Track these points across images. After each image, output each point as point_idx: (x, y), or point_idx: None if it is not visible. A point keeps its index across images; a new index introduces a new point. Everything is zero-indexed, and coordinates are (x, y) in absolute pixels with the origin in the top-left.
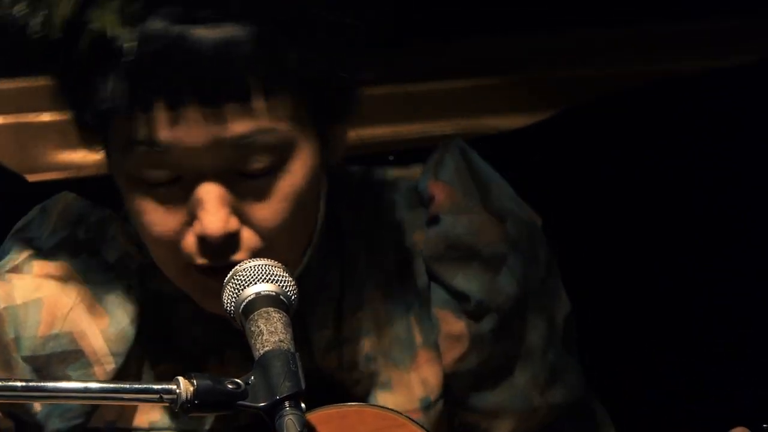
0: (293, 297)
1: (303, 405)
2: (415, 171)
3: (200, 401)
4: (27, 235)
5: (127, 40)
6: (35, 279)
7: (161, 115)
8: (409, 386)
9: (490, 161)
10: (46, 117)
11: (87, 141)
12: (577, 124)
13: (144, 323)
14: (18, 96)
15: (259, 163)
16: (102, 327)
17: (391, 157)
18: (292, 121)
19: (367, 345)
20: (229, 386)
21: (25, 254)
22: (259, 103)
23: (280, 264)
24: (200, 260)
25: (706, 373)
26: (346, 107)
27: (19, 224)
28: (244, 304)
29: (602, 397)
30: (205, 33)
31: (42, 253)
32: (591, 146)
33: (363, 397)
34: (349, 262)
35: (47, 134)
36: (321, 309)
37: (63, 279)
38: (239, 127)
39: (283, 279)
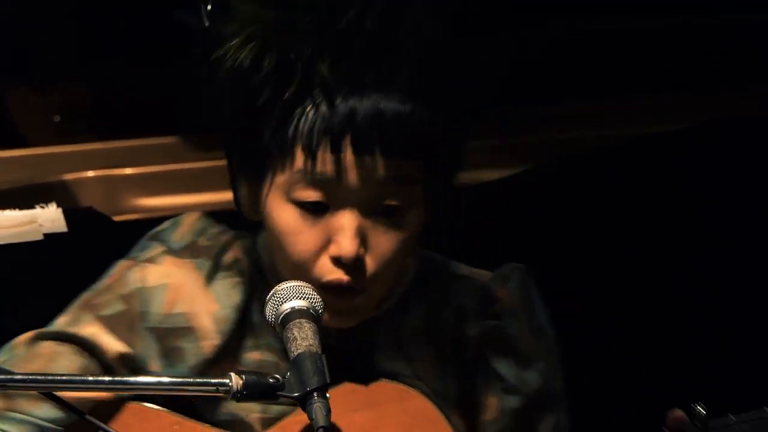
0: (321, 310)
1: (328, 395)
2: (482, 273)
3: (248, 392)
4: (160, 238)
5: (338, 90)
6: (166, 269)
7: (342, 154)
8: None
9: (474, 205)
10: (128, 171)
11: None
12: (543, 178)
13: (246, 314)
14: (107, 154)
15: (393, 201)
16: (212, 311)
17: None
18: (419, 176)
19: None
20: (270, 380)
21: (159, 250)
22: (407, 160)
23: (309, 284)
24: (330, 276)
25: None
26: (453, 173)
27: (155, 230)
28: (282, 316)
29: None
30: (389, 104)
31: (172, 251)
32: (555, 197)
33: None
34: (410, 318)
35: (129, 184)
36: (384, 337)
37: (186, 272)
38: (389, 172)
39: (313, 296)
